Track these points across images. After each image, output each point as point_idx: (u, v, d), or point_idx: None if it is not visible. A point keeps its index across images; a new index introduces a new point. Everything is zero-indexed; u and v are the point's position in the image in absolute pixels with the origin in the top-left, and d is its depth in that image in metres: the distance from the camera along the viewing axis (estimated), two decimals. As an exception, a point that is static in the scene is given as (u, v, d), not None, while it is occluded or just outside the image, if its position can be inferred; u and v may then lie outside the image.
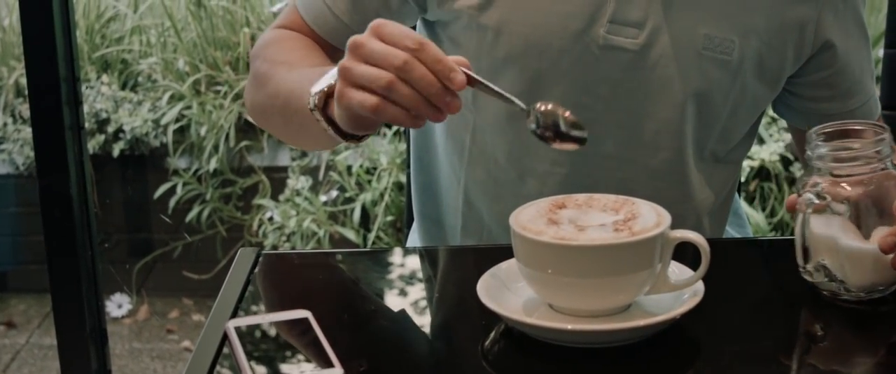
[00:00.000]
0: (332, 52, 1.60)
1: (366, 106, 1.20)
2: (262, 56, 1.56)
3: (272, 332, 1.20)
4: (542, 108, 1.24)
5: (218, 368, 1.14)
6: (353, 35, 1.57)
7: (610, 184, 1.49)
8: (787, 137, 3.45)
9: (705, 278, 1.19)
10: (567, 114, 1.24)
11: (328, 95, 1.30)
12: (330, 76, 1.31)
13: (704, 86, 1.54)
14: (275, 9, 3.87)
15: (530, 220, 1.18)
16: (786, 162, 3.49)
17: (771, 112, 1.69)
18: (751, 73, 1.56)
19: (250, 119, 1.63)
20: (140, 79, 3.98)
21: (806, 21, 1.56)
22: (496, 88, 1.23)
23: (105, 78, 3.92)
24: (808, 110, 1.66)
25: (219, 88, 3.86)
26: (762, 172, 3.51)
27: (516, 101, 1.24)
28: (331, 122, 1.31)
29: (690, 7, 1.52)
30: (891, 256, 1.22)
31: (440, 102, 1.19)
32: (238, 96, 3.79)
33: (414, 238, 1.85)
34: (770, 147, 3.49)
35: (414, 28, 1.75)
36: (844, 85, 1.63)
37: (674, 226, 1.18)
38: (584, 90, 1.54)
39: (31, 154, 3.78)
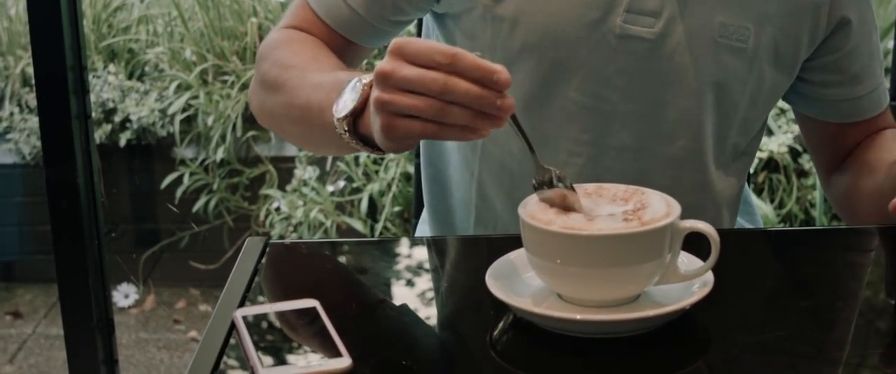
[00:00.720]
0: (345, 47, 1.58)
1: (425, 134, 1.16)
2: (271, 59, 1.53)
3: (280, 322, 1.19)
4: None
5: (225, 358, 1.14)
6: (368, 27, 1.55)
7: (627, 175, 1.49)
8: (796, 128, 3.44)
9: (715, 269, 1.18)
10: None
11: (355, 114, 1.27)
12: (351, 93, 1.28)
13: (721, 74, 1.54)
14: (282, -1, 3.87)
15: (539, 209, 1.17)
16: (794, 154, 3.49)
17: (779, 102, 1.69)
18: (767, 60, 1.56)
19: (253, 110, 1.60)
20: (147, 68, 3.98)
21: (820, 3, 1.56)
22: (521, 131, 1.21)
23: (112, 67, 3.92)
24: (817, 96, 1.66)
25: (226, 77, 3.86)
26: (771, 164, 3.51)
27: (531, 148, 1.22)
28: (364, 140, 1.28)
29: None
30: None
31: (491, 109, 1.13)
32: (245, 86, 3.78)
33: (423, 229, 1.84)
34: (779, 139, 3.48)
35: (420, 22, 1.74)
36: (853, 69, 1.63)
37: (692, 216, 1.17)
38: (600, 80, 1.53)
39: (38, 144, 3.78)
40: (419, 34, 1.78)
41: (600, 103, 1.54)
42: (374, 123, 1.20)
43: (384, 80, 1.15)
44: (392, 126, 1.16)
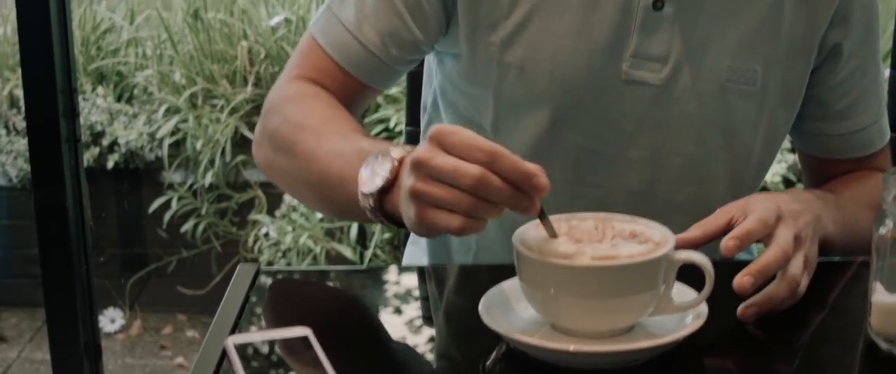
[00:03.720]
0: (358, 89, 1.54)
1: (452, 228, 1.13)
2: (282, 115, 1.48)
3: (272, 349, 1.19)
4: None
5: (216, 386, 1.13)
6: (384, 67, 1.53)
7: None
8: (790, 157, 3.44)
9: (709, 300, 1.18)
10: None
11: (383, 191, 1.25)
12: (380, 168, 1.25)
13: (729, 118, 1.53)
14: (273, 23, 3.86)
15: (534, 239, 1.17)
16: (788, 183, 3.48)
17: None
18: (776, 100, 1.55)
19: (258, 161, 1.54)
20: (136, 91, 3.97)
21: (823, 35, 1.55)
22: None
23: (100, 90, 3.91)
24: (798, 127, 1.65)
25: (215, 101, 3.85)
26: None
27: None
28: (389, 216, 1.26)
29: (713, 39, 1.51)
30: None
31: (519, 208, 1.12)
32: (235, 110, 3.78)
33: (412, 251, 1.83)
34: (773, 168, 3.48)
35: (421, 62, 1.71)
36: (837, 104, 1.61)
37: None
38: (607, 125, 1.52)
39: (25, 166, 3.77)
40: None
41: (606, 147, 1.53)
42: (406, 209, 1.17)
43: (419, 167, 1.13)
44: (425, 218, 1.14)
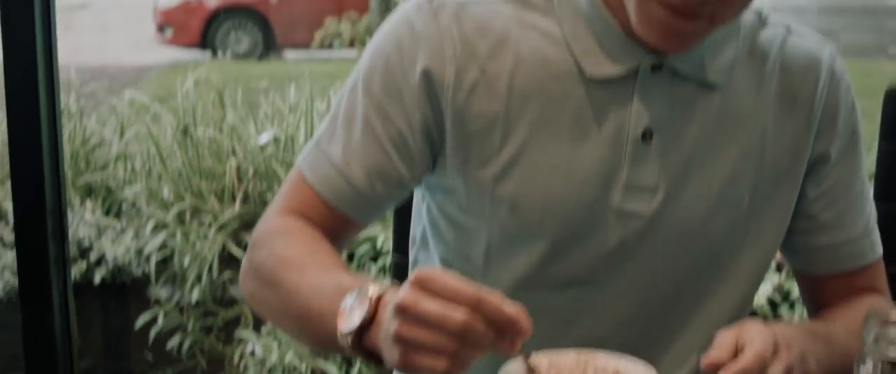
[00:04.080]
0: (344, 224, 1.56)
1: (437, 371, 1.16)
2: (268, 248, 1.50)
3: None
4: None
5: None
6: (370, 204, 1.54)
7: (624, 344, 1.45)
8: (776, 278, 3.44)
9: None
10: None
11: (361, 330, 1.26)
12: (358, 306, 1.27)
13: (718, 242, 1.54)
14: (262, 141, 3.88)
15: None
16: (773, 305, 3.47)
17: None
18: (765, 222, 1.56)
19: (244, 293, 1.55)
20: (124, 206, 3.97)
21: (810, 155, 1.57)
22: None
23: (88, 204, 3.91)
24: (795, 245, 1.64)
25: (203, 217, 3.85)
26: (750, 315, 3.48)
27: None
28: (368, 353, 1.27)
29: (700, 167, 1.52)
30: None
31: (500, 351, 1.16)
32: (222, 227, 3.78)
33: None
34: (759, 289, 3.46)
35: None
36: (824, 216, 1.61)
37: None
38: (599, 256, 1.53)
39: (11, 279, 3.75)
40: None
41: (597, 276, 1.53)
42: (389, 351, 1.19)
43: (404, 311, 1.15)
44: (409, 361, 1.16)
